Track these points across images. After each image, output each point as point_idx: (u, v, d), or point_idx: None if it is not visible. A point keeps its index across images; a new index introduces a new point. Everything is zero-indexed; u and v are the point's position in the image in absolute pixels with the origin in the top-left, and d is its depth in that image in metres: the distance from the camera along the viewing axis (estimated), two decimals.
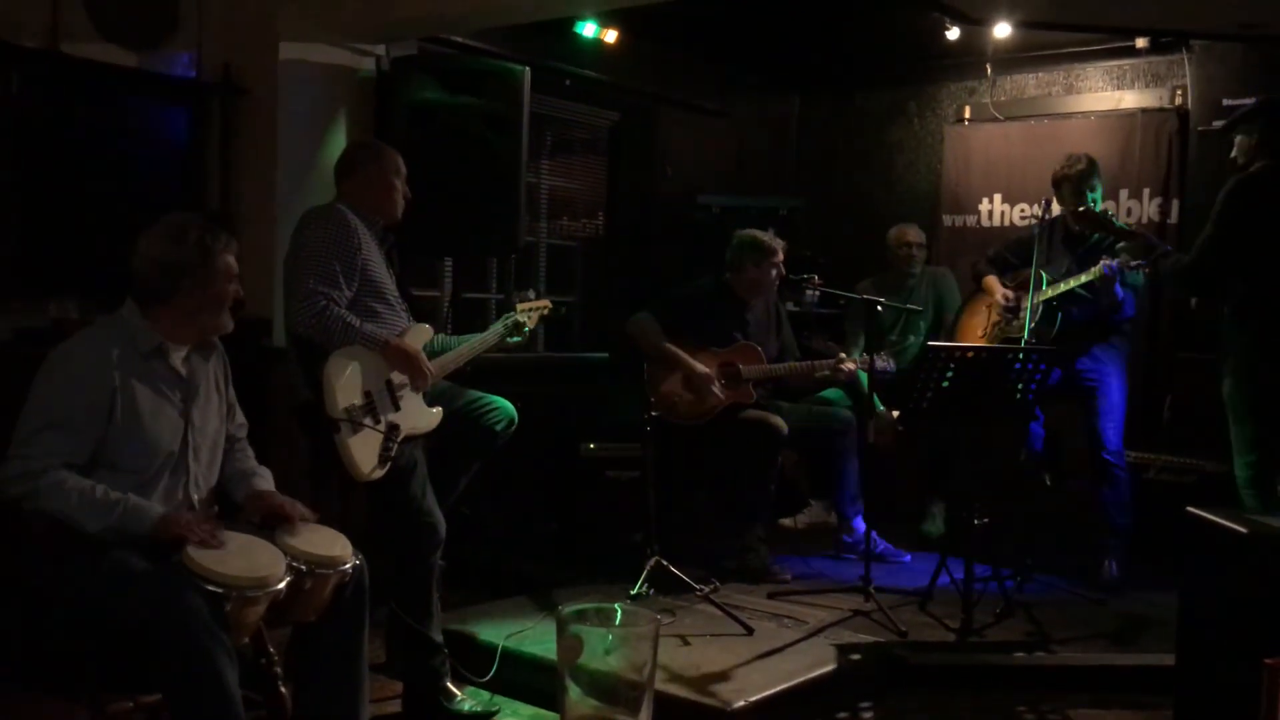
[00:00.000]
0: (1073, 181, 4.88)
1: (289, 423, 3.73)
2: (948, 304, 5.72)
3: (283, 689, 2.90)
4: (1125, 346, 4.89)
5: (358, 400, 3.32)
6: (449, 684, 3.53)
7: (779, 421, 4.80)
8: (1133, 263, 4.50)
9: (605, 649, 1.15)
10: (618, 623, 1.19)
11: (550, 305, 4.07)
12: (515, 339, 3.89)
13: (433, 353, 3.62)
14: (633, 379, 5.11)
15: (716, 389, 4.83)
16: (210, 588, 2.51)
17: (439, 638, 3.54)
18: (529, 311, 4.01)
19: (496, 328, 3.87)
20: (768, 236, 5.07)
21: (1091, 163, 4.92)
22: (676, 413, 4.85)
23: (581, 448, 5.14)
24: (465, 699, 3.55)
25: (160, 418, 2.72)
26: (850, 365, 4.99)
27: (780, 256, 5.05)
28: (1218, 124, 5.62)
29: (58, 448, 2.58)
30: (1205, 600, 2.93)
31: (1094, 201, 4.89)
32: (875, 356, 4.61)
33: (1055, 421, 5.06)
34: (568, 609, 1.20)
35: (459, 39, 5.20)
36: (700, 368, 4.84)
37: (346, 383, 3.32)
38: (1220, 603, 2.83)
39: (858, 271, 5.83)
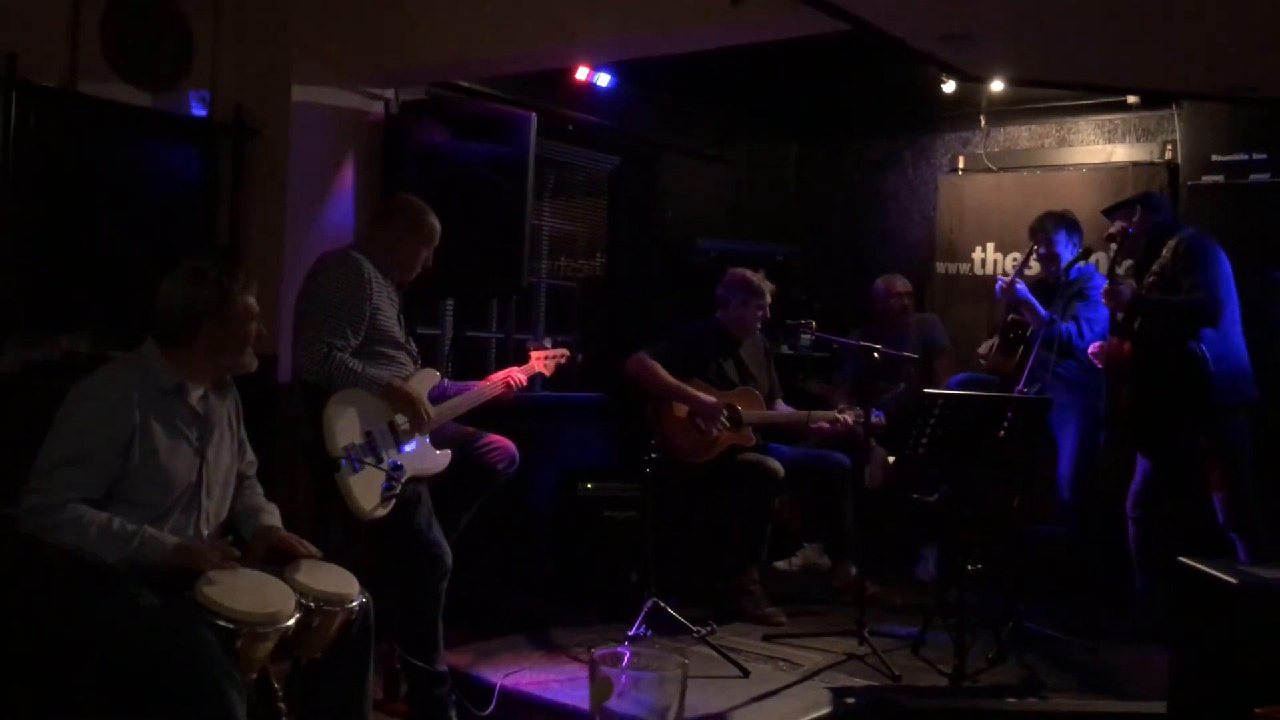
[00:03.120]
0: (1044, 233, 5.05)
1: (293, 458, 3.78)
2: (936, 350, 5.81)
3: None
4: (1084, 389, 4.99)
5: (358, 439, 3.38)
6: (454, 717, 3.56)
7: (776, 465, 4.86)
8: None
9: (634, 688, 1.20)
10: (644, 665, 1.25)
11: (567, 354, 4.16)
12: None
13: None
14: (630, 419, 5.16)
15: (723, 417, 4.87)
16: (221, 623, 2.55)
17: (444, 669, 3.57)
18: (547, 361, 4.08)
19: (498, 383, 3.92)
20: (758, 278, 5.16)
21: (1061, 217, 5.08)
22: (680, 451, 4.90)
23: (579, 487, 5.18)
24: None
25: (177, 455, 2.78)
26: (845, 418, 5.07)
27: (768, 299, 5.15)
28: (1207, 179, 5.76)
29: (76, 482, 2.63)
30: (1196, 649, 2.98)
31: (1062, 255, 5.02)
32: (870, 411, 4.68)
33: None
34: (599, 650, 1.25)
35: (466, 84, 5.30)
36: (708, 398, 4.89)
37: (347, 422, 3.37)
38: (1211, 652, 2.88)
39: (852, 316, 5.93)
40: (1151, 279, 4.59)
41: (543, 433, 5.65)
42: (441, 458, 3.60)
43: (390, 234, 3.65)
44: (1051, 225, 5.04)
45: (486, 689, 3.82)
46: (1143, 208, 4.69)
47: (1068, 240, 5.04)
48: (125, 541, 2.61)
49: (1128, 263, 5.04)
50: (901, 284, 5.90)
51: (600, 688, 1.21)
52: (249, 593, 2.67)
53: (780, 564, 5.80)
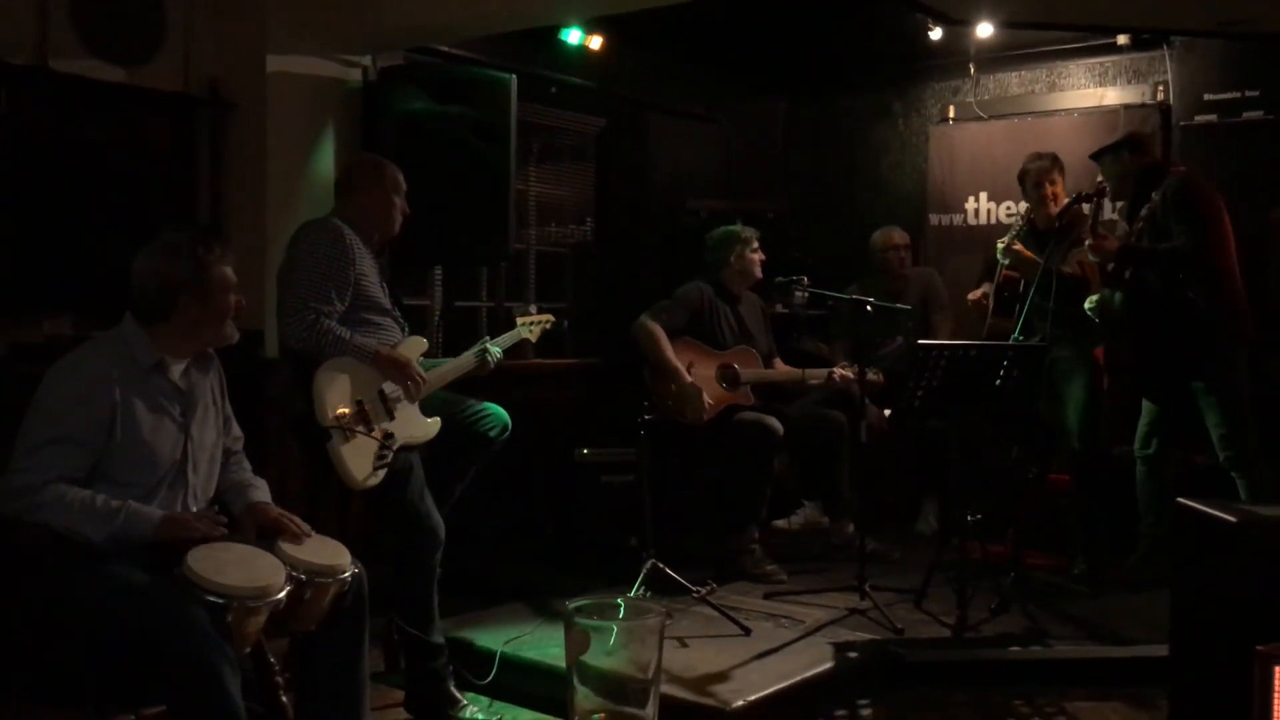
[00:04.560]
0: (1033, 176, 4.99)
1: (284, 434, 3.75)
2: (933, 304, 5.75)
3: (284, 699, 2.91)
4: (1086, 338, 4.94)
5: (349, 408, 3.34)
6: (452, 689, 3.55)
7: (775, 423, 4.83)
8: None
9: (611, 642, 1.17)
10: (622, 616, 1.21)
11: (553, 319, 4.12)
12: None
13: (425, 367, 3.64)
14: (626, 383, 5.13)
15: (707, 400, 4.84)
16: (211, 598, 2.52)
17: (440, 640, 3.56)
18: (531, 325, 4.04)
19: (469, 355, 3.87)
20: (739, 227, 5.22)
21: (1055, 160, 5.01)
22: (678, 413, 4.87)
23: (576, 453, 5.15)
24: (468, 705, 3.56)
25: (160, 432, 2.74)
26: (842, 373, 5.04)
27: (755, 243, 5.17)
28: (1200, 119, 5.69)
29: (58, 462, 2.60)
30: (1197, 590, 2.96)
31: (1056, 196, 4.97)
32: (866, 370, 4.64)
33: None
34: (573, 604, 1.22)
35: (445, 48, 5.22)
36: (689, 381, 4.85)
37: (337, 391, 3.34)
38: (1211, 592, 2.86)
39: (846, 272, 5.86)
40: (1140, 224, 4.54)
41: (538, 400, 5.62)
42: (431, 425, 3.57)
43: (358, 197, 3.59)
44: (1050, 164, 4.98)
45: (487, 657, 3.81)
46: (1129, 150, 4.63)
47: (1060, 182, 5.01)
48: (110, 517, 2.58)
49: (1119, 205, 4.99)
50: (899, 236, 5.83)
51: (576, 641, 1.17)
52: (238, 567, 2.63)
53: (780, 523, 5.78)
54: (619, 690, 1.20)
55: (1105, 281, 4.67)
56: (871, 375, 4.72)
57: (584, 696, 1.18)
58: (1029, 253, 4.76)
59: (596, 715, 1.19)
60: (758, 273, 5.19)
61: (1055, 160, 5.00)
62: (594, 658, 1.18)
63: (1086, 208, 4.68)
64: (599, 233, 6.61)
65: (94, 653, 2.55)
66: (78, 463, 2.62)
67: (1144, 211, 4.53)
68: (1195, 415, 4.50)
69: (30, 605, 2.65)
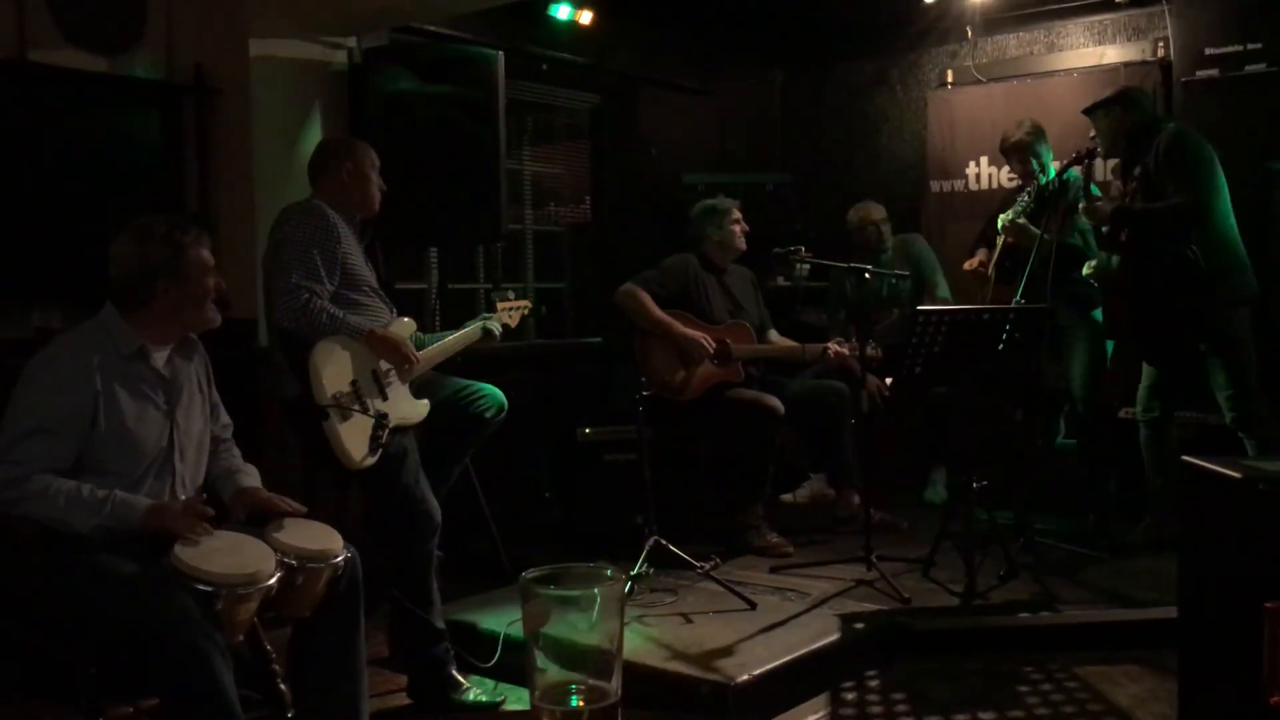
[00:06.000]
0: (1018, 148, 5.00)
1: (279, 422, 3.71)
2: (925, 269, 5.69)
3: (281, 686, 2.88)
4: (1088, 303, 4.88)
5: (345, 388, 3.31)
6: (454, 672, 3.53)
7: (776, 403, 4.77)
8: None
9: (572, 613, 1.13)
10: (583, 585, 1.16)
11: (530, 305, 4.10)
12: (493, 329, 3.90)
13: (418, 345, 3.61)
14: (627, 362, 5.09)
15: (708, 345, 4.80)
16: (200, 587, 2.49)
17: (441, 625, 3.53)
18: (510, 311, 4.01)
19: (475, 327, 3.85)
20: (719, 200, 5.18)
21: (1036, 128, 5.00)
22: (667, 387, 4.84)
23: (578, 432, 5.11)
24: (470, 688, 3.54)
25: (145, 420, 2.71)
26: (837, 349, 4.98)
27: (737, 214, 5.12)
28: (1201, 74, 5.59)
29: (42, 454, 2.57)
30: (1204, 548, 2.90)
31: (1043, 166, 4.97)
32: (865, 341, 4.59)
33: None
34: (529, 574, 1.17)
35: (430, 27, 5.16)
36: (691, 332, 4.83)
37: (333, 370, 3.30)
38: (1219, 550, 2.81)
39: (847, 243, 5.80)
40: (1134, 184, 4.46)
41: (539, 380, 5.59)
42: (422, 406, 3.54)
43: (333, 176, 3.55)
44: (1029, 138, 4.96)
45: (491, 639, 3.78)
46: (1121, 106, 4.55)
47: (1048, 149, 4.96)
48: (96, 507, 2.56)
49: (1113, 162, 4.92)
50: (877, 211, 5.76)
51: (533, 613, 1.13)
52: (227, 554, 2.61)
53: (786, 496, 5.75)
54: (581, 661, 1.15)
55: (1101, 244, 4.61)
56: (870, 350, 4.66)
57: (545, 667, 1.14)
58: (1030, 227, 4.72)
59: (562, 687, 1.15)
60: (740, 244, 5.13)
61: (1035, 130, 4.96)
62: (554, 629, 1.14)
63: (1078, 169, 4.61)
64: (596, 211, 6.56)
65: (84, 645, 2.53)
66: (62, 453, 2.60)
67: (1136, 171, 4.45)
68: (1199, 376, 4.43)
69: (19, 598, 2.63)
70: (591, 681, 1.14)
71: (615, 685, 1.14)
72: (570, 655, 1.16)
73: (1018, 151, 5.06)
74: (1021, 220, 4.75)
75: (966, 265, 5.18)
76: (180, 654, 2.42)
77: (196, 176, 4.48)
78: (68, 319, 4.00)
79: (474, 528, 4.55)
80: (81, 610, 2.54)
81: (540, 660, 1.14)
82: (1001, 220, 4.86)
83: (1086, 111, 4.68)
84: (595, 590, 1.14)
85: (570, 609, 1.13)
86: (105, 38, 4.25)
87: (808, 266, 5.82)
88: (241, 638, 2.70)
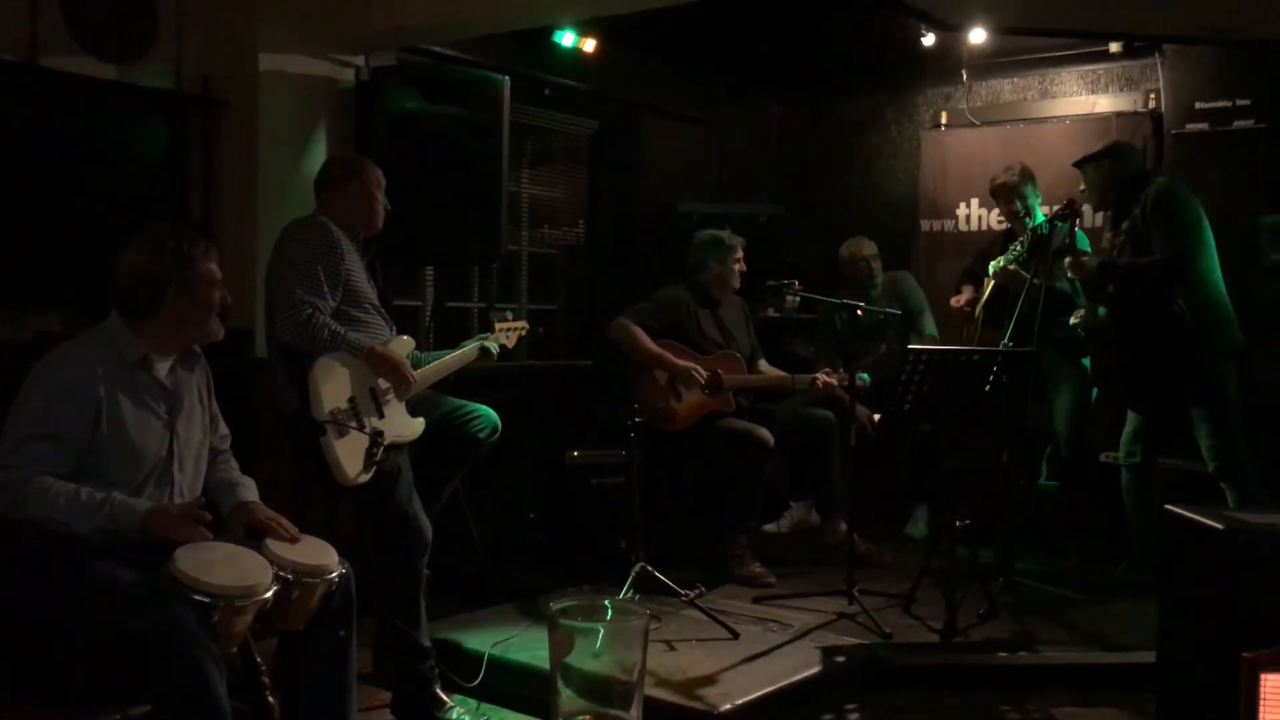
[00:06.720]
0: (1004, 190, 5.10)
1: (274, 433, 3.73)
2: (913, 306, 5.77)
3: (270, 699, 2.89)
4: (1074, 347, 4.96)
5: (343, 404, 3.34)
6: (438, 691, 3.54)
7: (766, 435, 4.82)
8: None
9: (595, 644, 1.16)
10: (608, 618, 1.20)
11: (527, 326, 4.14)
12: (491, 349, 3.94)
13: (415, 363, 3.64)
14: (617, 385, 5.12)
15: (700, 374, 4.84)
16: (198, 597, 2.51)
17: (427, 643, 3.55)
18: (507, 331, 4.05)
19: (473, 346, 3.89)
20: (727, 234, 5.18)
21: (1024, 172, 5.09)
22: (660, 417, 4.88)
23: (566, 455, 5.14)
24: (455, 706, 3.55)
25: (146, 429, 2.73)
26: (825, 380, 5.04)
27: (740, 252, 5.15)
28: (1191, 127, 5.71)
29: (43, 458, 2.59)
30: (1184, 596, 2.96)
31: (1029, 210, 5.08)
32: (854, 373, 4.65)
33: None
34: (557, 605, 1.21)
35: (438, 49, 5.21)
36: (683, 363, 4.88)
37: (333, 386, 3.33)
38: (1199, 598, 2.86)
39: (838, 276, 5.86)
40: (1122, 237, 4.55)
41: (529, 401, 5.61)
42: (417, 424, 3.57)
43: (337, 193, 3.59)
44: (1015, 181, 5.06)
45: (475, 659, 3.80)
46: (1111, 160, 4.65)
47: (1035, 193, 5.05)
48: (95, 510, 2.57)
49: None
50: (869, 247, 5.83)
51: (560, 643, 1.17)
52: (225, 566, 2.62)
53: (769, 526, 5.79)
54: (603, 692, 1.19)
55: (1089, 296, 4.70)
56: (858, 382, 4.71)
57: (568, 699, 1.18)
58: (1021, 272, 4.80)
59: (580, 717, 1.18)
60: (735, 284, 5.18)
61: (1023, 175, 5.06)
62: (578, 659, 1.17)
63: (1064, 225, 4.69)
64: (591, 235, 6.61)
65: (79, 650, 2.54)
66: (63, 458, 2.61)
67: (1124, 225, 4.54)
68: (1183, 424, 4.51)
69: (16, 602, 2.64)
70: (613, 713, 1.18)
71: (636, 716, 1.18)
72: (593, 686, 1.19)
73: (1004, 194, 5.16)
74: (1013, 267, 4.84)
75: (954, 301, 5.26)
76: (176, 663, 2.44)
77: (201, 187, 4.50)
78: (67, 323, 4.01)
79: (460, 546, 4.57)
80: (79, 615, 2.55)
81: (564, 690, 1.17)
82: (993, 266, 4.96)
83: (1077, 164, 4.78)
84: (619, 624, 1.18)
85: (594, 641, 1.17)
86: (116, 45, 4.28)
87: (798, 299, 5.89)
88: (235, 649, 2.72)
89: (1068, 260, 4.60)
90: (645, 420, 4.56)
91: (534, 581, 4.70)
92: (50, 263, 4.07)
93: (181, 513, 2.66)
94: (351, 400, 3.38)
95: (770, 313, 6.28)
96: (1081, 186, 4.80)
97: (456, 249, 4.81)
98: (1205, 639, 2.77)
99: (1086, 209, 5.28)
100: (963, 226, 6.50)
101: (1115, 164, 4.63)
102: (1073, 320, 4.73)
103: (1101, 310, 4.61)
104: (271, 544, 2.79)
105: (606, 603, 1.22)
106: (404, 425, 3.53)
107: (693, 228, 6.24)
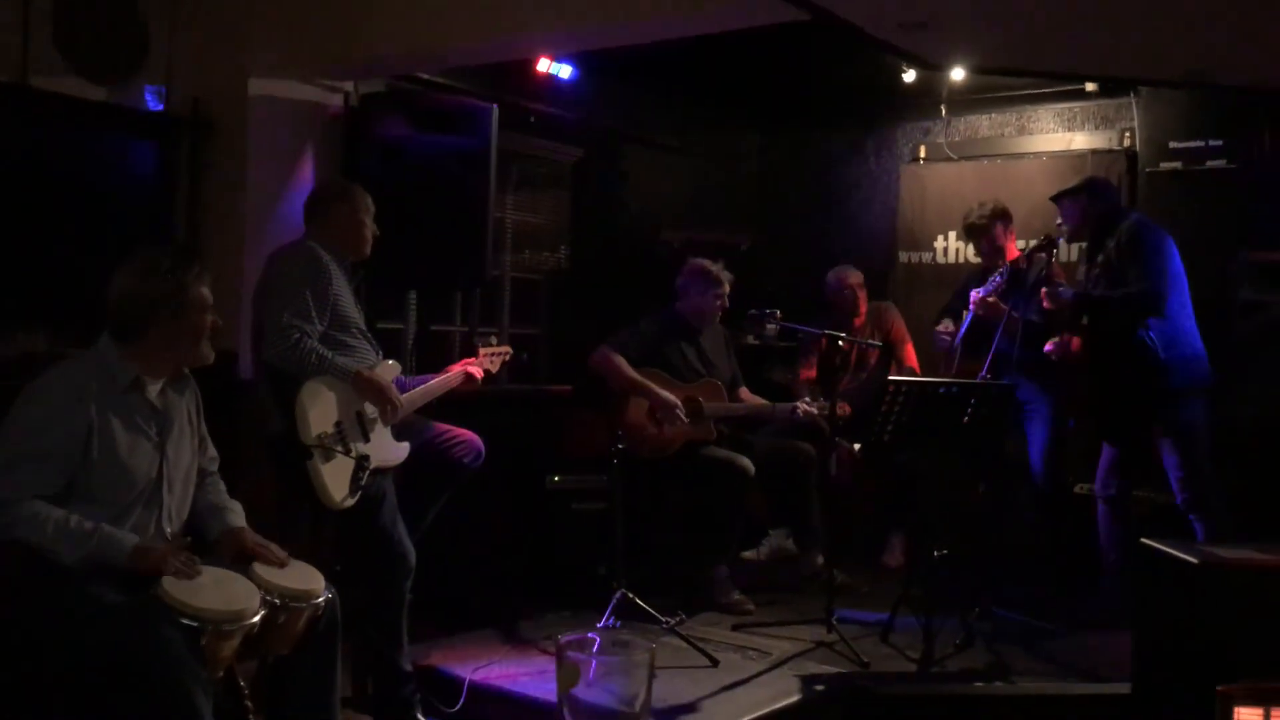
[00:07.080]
0: (974, 230, 5.22)
1: (258, 455, 3.74)
2: (895, 337, 5.84)
3: None
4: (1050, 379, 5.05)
5: (329, 428, 3.36)
6: (419, 716, 3.54)
7: (748, 464, 4.86)
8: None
9: (601, 674, 1.19)
10: (611, 650, 1.23)
11: (511, 351, 4.16)
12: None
13: (400, 388, 3.66)
14: (597, 411, 5.15)
15: (681, 413, 4.88)
16: (186, 621, 2.53)
17: (409, 667, 3.56)
18: (492, 356, 4.08)
19: (458, 371, 3.92)
20: (716, 268, 5.19)
21: (995, 211, 5.19)
22: (642, 445, 4.90)
23: (547, 480, 5.16)
24: None
25: (136, 451, 2.74)
26: (805, 408, 5.09)
27: (725, 289, 5.17)
28: (1165, 165, 5.83)
29: (32, 480, 2.60)
30: (1159, 629, 3.01)
31: (999, 250, 5.16)
32: (834, 402, 4.70)
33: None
34: (566, 637, 1.24)
35: (426, 76, 5.25)
36: (665, 395, 4.91)
37: (319, 411, 3.35)
38: (1173, 631, 2.91)
39: (816, 306, 5.93)
40: (1096, 271, 4.65)
41: (510, 426, 5.62)
42: (402, 449, 3.59)
43: (326, 219, 3.62)
44: (983, 222, 5.15)
45: (455, 684, 3.80)
46: (1088, 194, 4.75)
47: (1005, 231, 5.14)
48: (83, 540, 2.58)
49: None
50: (855, 276, 5.90)
51: (567, 674, 1.20)
52: (213, 590, 2.64)
53: (748, 554, 5.81)
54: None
55: (1063, 327, 4.78)
56: (839, 410, 4.76)
57: None
58: (1000, 304, 4.88)
59: None
60: (715, 319, 5.22)
61: (996, 212, 5.15)
62: (583, 691, 1.20)
63: (1041, 256, 4.78)
64: (573, 260, 6.65)
65: (67, 672, 2.54)
66: (52, 479, 2.62)
67: (1100, 258, 4.64)
68: (1155, 456, 4.59)
69: (4, 623, 2.63)
70: None
71: None
72: (598, 718, 1.22)
73: (974, 233, 5.26)
74: (993, 299, 4.91)
75: (940, 328, 5.31)
76: (162, 686, 2.45)
77: (187, 209, 4.51)
78: (53, 342, 4.01)
79: (440, 570, 4.56)
80: (65, 637, 2.55)
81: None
82: (974, 298, 5.03)
83: (1055, 198, 4.87)
84: (623, 656, 1.21)
85: (600, 674, 1.20)
86: (106, 67, 4.30)
87: (778, 327, 5.94)
88: (221, 674, 2.73)
89: (1045, 290, 4.68)
90: (628, 448, 4.58)
91: (514, 606, 4.71)
92: (36, 282, 4.07)
93: (167, 553, 2.66)
94: (338, 424, 3.40)
95: (750, 340, 6.33)
96: (1059, 220, 4.89)
97: (442, 273, 4.83)
98: (1180, 671, 2.82)
99: (1062, 243, 5.35)
100: (940, 259, 6.58)
101: (1091, 198, 4.72)
102: (1047, 350, 4.81)
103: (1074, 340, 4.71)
104: (259, 568, 2.80)
105: (614, 634, 1.25)
106: (390, 450, 3.55)
107: (673, 255, 6.30)
